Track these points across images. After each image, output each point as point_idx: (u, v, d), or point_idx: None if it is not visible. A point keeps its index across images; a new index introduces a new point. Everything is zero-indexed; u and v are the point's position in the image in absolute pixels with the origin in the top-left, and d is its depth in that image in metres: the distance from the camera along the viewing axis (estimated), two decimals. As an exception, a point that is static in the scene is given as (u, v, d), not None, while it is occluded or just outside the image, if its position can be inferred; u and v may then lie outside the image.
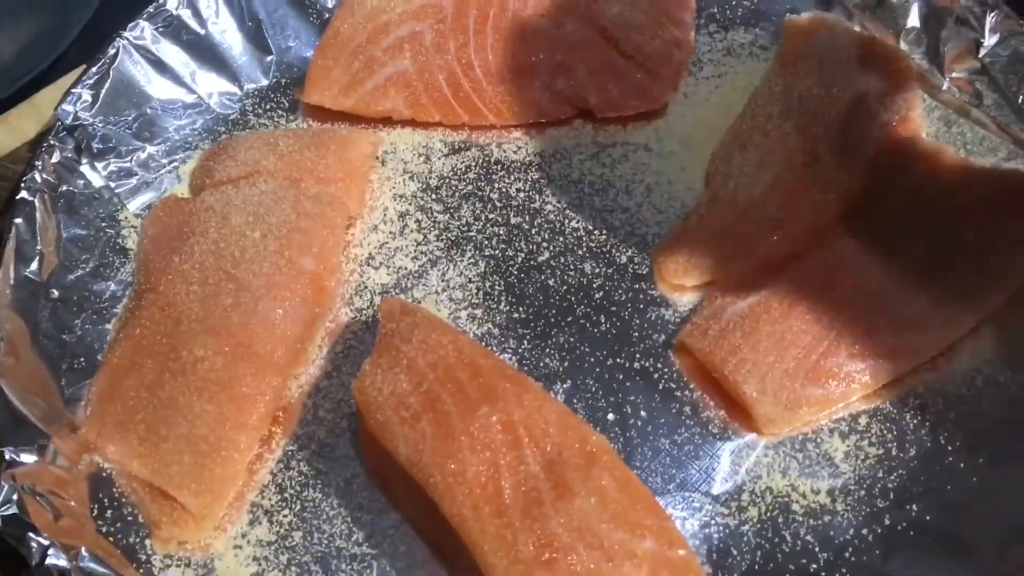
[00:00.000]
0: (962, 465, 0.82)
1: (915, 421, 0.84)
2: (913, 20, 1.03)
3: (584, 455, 0.75)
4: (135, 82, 1.02)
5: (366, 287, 0.94)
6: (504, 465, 0.74)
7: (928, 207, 0.92)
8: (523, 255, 0.95)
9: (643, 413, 0.86)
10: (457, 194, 0.99)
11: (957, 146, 0.98)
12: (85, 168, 0.97)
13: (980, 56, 0.98)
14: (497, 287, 0.93)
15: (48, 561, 0.73)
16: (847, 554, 0.79)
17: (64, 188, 0.95)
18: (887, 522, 0.80)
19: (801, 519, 0.80)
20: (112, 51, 1.00)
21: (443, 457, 0.73)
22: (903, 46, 1.03)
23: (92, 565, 0.74)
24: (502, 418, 0.75)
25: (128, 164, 1.00)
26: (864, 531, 0.79)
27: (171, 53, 1.04)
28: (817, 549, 0.79)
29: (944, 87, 1.01)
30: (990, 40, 0.98)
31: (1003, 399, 0.84)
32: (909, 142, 0.96)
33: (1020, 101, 0.95)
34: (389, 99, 1.01)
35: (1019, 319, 0.87)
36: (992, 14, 0.97)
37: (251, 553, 0.81)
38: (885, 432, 0.84)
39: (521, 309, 0.92)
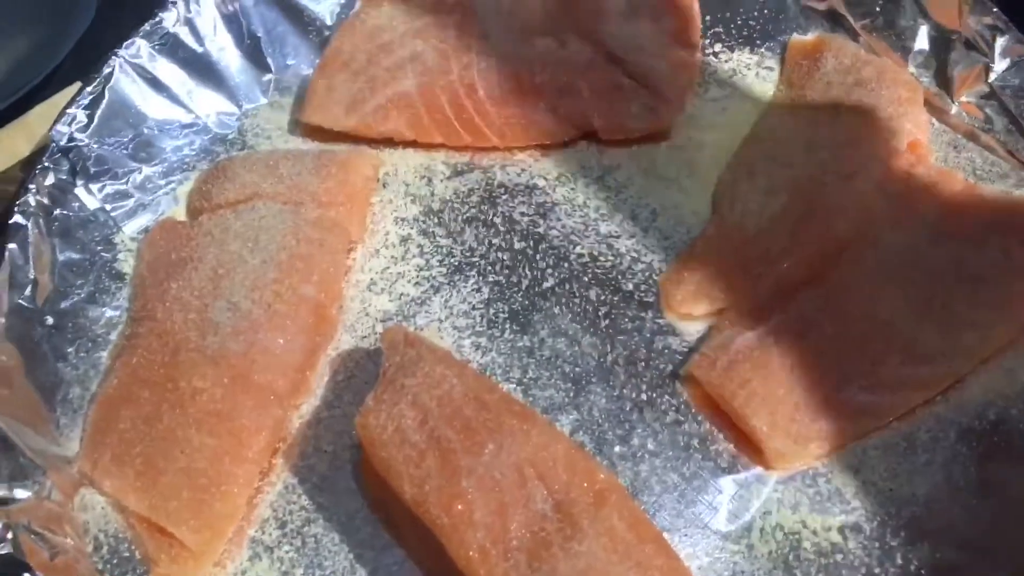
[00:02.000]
0: (975, 501, 0.80)
1: (927, 456, 0.83)
2: (921, 43, 1.01)
3: (593, 494, 0.73)
4: (131, 102, 1.00)
5: (368, 314, 0.92)
6: (512, 505, 0.72)
7: (936, 234, 0.91)
8: (528, 281, 0.94)
9: (651, 446, 0.85)
10: (460, 218, 0.97)
11: (966, 172, 0.97)
12: (80, 191, 0.95)
13: (990, 80, 0.97)
14: (501, 314, 0.92)
15: (44, 602, 0.71)
16: (859, 593, 0.77)
17: (59, 211, 0.93)
18: (899, 561, 0.78)
19: (812, 557, 0.79)
20: (107, 70, 0.99)
21: (449, 497, 0.72)
22: (911, 69, 1.02)
23: (88, 605, 0.72)
24: (510, 457, 0.73)
25: (124, 186, 0.98)
26: (877, 570, 0.78)
27: (168, 71, 1.02)
28: (829, 588, 0.78)
29: (953, 111, 1.00)
30: (1000, 64, 0.97)
31: (1016, 434, 0.83)
32: (917, 167, 0.95)
33: (1033, 126, 0.94)
34: (391, 120, 1.00)
35: (1030, 351, 0.87)
36: (1002, 38, 0.96)
37: (251, 590, 0.79)
38: (896, 467, 0.83)
39: (526, 338, 0.90)
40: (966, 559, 0.78)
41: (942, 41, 1.00)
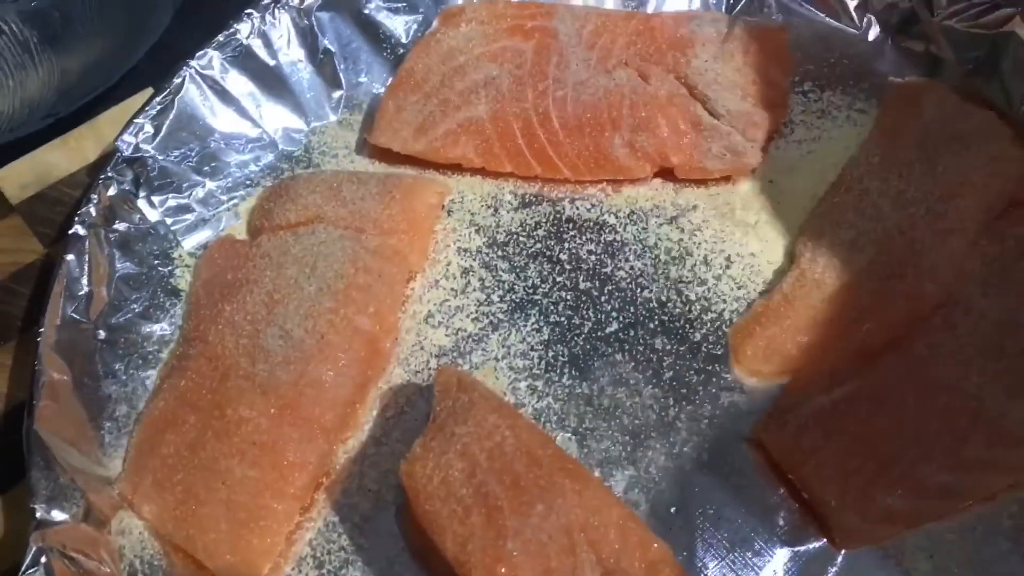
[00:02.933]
0: (1059, 599, 0.75)
1: (1009, 544, 0.77)
2: (1028, 94, 0.95)
3: (645, 563, 0.69)
4: (199, 114, 0.98)
5: (423, 348, 0.89)
6: (559, 572, 0.68)
7: (1035, 301, 0.85)
8: (591, 324, 0.90)
9: (710, 510, 0.80)
10: (525, 252, 0.94)
11: (1071, 236, 0.90)
12: (142, 202, 0.94)
13: (1103, 139, 0.90)
14: (561, 358, 0.88)
15: (71, 632, 0.70)
16: None
17: (119, 223, 0.92)
18: (970, 656, 0.73)
19: (876, 646, 0.74)
20: (178, 80, 0.97)
21: (493, 560, 0.68)
22: (1018, 120, 0.94)
23: (119, 635, 0.71)
24: (559, 519, 0.70)
25: (186, 200, 0.96)
26: (945, 665, 0.73)
27: (238, 83, 1.00)
28: None
29: (1061, 168, 0.92)
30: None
31: (1109, 527, 0.77)
32: (1018, 229, 0.88)
33: None
34: (460, 146, 0.96)
35: None
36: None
37: (284, 631, 0.77)
38: (974, 554, 0.77)
39: (585, 384, 0.86)
40: (1045, 661, 0.72)
41: (1053, 94, 0.93)
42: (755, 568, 0.78)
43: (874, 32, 1.04)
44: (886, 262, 0.87)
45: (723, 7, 1.08)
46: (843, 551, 0.78)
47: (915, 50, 1.03)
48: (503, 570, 0.68)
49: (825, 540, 0.79)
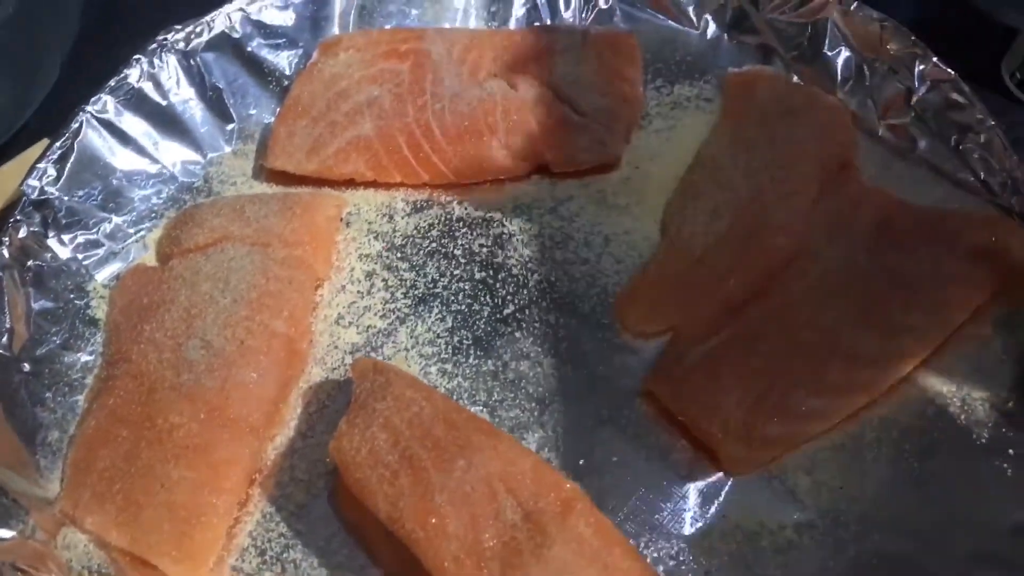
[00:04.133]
0: (920, 493, 0.85)
1: (872, 454, 0.87)
2: (847, 71, 1.08)
3: (560, 503, 0.77)
4: (99, 154, 1.03)
5: (337, 347, 0.95)
6: (483, 517, 0.76)
7: (871, 247, 0.96)
8: (489, 309, 0.98)
9: (613, 459, 0.88)
10: (422, 251, 1.02)
11: (895, 188, 1.02)
12: (52, 242, 0.98)
13: (912, 103, 1.04)
14: (466, 341, 0.96)
15: (31, 637, 0.73)
16: (816, 585, 0.81)
17: (32, 262, 0.96)
18: (851, 553, 0.82)
19: (770, 554, 0.83)
20: (75, 125, 1.02)
21: (423, 512, 0.75)
22: (839, 96, 1.08)
23: (76, 641, 0.74)
24: (479, 472, 0.77)
25: (95, 236, 1.01)
26: (830, 563, 0.82)
27: (134, 124, 1.06)
28: (787, 582, 0.82)
29: (880, 132, 1.06)
30: (920, 88, 1.03)
31: (954, 428, 0.88)
32: (850, 186, 1.01)
33: (953, 144, 1.00)
34: (351, 162, 1.04)
35: (962, 352, 0.92)
36: (921, 64, 1.03)
37: (234, 617, 0.81)
38: (845, 466, 0.87)
39: (490, 362, 0.94)
40: (915, 547, 0.82)
41: (866, 68, 1.06)
42: (660, 504, 0.86)
43: (712, 30, 1.16)
44: (742, 225, 0.98)
45: (575, 21, 1.19)
46: (734, 478, 0.87)
47: (749, 43, 1.15)
48: (434, 521, 0.75)
49: (718, 472, 0.88)
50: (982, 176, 0.98)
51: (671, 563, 0.83)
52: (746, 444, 0.87)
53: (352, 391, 0.85)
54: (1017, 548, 0.80)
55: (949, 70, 1.02)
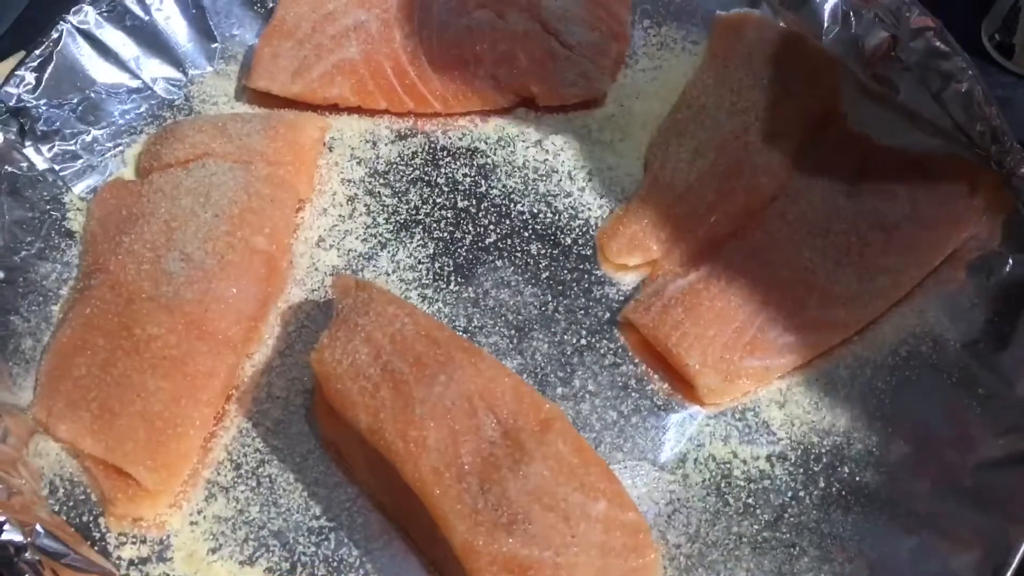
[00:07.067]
0: (890, 430, 0.86)
1: (845, 390, 0.89)
2: (833, 17, 1.08)
3: (538, 421, 0.77)
4: (79, 66, 1.01)
5: (317, 268, 0.95)
6: (463, 432, 0.76)
7: (851, 189, 0.97)
8: (471, 237, 0.98)
9: (591, 387, 0.89)
10: (405, 179, 1.01)
11: (877, 132, 1.03)
12: (29, 151, 0.97)
13: (896, 51, 1.04)
14: (446, 268, 0.96)
15: (3, 537, 0.72)
16: (787, 515, 0.83)
17: (7, 170, 0.94)
18: (822, 484, 0.84)
19: (742, 483, 0.84)
20: (55, 34, 1.00)
21: (404, 424, 0.75)
22: (825, 41, 1.08)
23: (48, 542, 0.73)
24: (460, 388, 0.77)
25: (73, 147, 0.99)
26: (801, 493, 0.84)
27: (115, 38, 1.04)
28: (758, 511, 0.83)
29: (864, 79, 1.06)
30: (905, 36, 1.04)
31: (925, 368, 0.89)
32: (832, 129, 1.02)
33: (935, 91, 1.01)
34: (336, 86, 1.03)
35: (936, 294, 0.93)
36: (907, 12, 1.03)
37: (208, 528, 0.81)
38: (818, 401, 0.89)
39: (470, 289, 0.94)
40: (883, 480, 0.84)
41: (853, 15, 1.07)
42: (635, 431, 0.87)
43: (702, -27, 1.17)
44: (725, 163, 0.98)
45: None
46: (709, 409, 0.88)
47: (738, -12, 1.16)
48: (413, 433, 0.75)
49: (693, 403, 0.89)
50: (961, 124, 0.99)
51: (644, 489, 0.84)
52: (722, 376, 0.88)
53: (334, 308, 0.85)
54: (982, 482, 0.82)
55: (934, 18, 1.02)
